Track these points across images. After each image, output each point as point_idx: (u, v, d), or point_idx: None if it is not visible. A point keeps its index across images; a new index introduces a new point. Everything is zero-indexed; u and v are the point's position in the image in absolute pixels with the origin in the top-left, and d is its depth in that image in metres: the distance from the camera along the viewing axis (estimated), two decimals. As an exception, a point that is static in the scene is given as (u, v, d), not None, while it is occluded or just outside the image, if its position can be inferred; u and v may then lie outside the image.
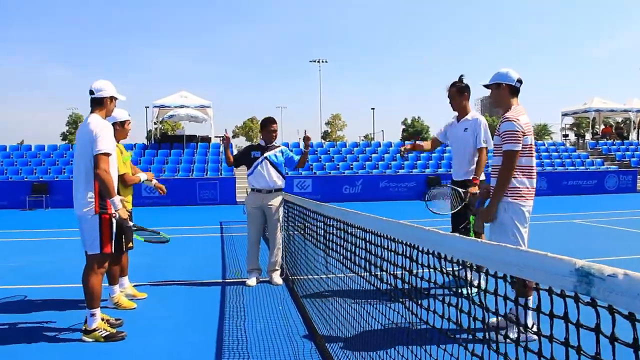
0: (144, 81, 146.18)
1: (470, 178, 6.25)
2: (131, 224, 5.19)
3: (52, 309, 5.81)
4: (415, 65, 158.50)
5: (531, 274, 1.58)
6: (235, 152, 27.98)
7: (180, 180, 22.26)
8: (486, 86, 4.88)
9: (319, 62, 63.40)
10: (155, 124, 30.24)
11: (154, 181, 6.76)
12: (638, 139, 34.82)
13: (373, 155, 26.73)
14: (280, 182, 7.14)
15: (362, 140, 51.73)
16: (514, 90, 4.75)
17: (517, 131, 4.51)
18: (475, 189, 6.12)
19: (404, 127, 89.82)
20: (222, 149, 7.51)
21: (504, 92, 4.73)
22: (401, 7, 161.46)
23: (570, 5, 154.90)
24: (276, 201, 7.08)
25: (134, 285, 6.46)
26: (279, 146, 7.32)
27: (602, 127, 35.34)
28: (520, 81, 4.74)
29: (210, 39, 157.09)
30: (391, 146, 28.32)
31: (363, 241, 3.50)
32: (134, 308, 5.83)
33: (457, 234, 2.19)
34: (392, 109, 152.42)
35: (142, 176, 6.40)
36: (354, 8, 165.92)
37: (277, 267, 7.05)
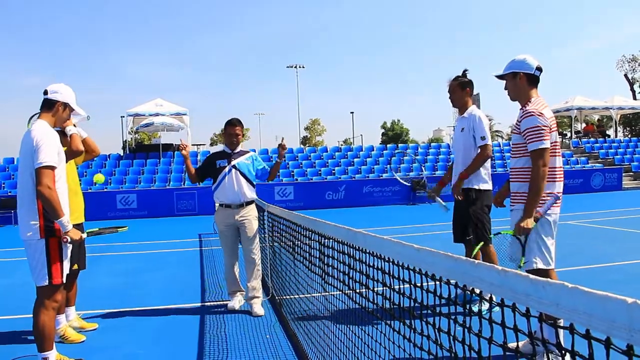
0: (119, 90, 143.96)
1: (471, 187, 5.62)
2: (84, 235, 4.39)
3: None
4: (393, 68, 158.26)
5: (566, 314, 1.24)
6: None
7: (157, 190, 21.42)
8: (500, 77, 4.24)
9: (296, 67, 62.60)
10: (130, 133, 29.37)
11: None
12: (617, 136, 34.79)
13: (355, 159, 26.10)
14: (251, 193, 6.23)
15: (342, 144, 51.07)
16: (533, 80, 4.11)
17: (542, 126, 3.87)
18: (457, 189, 5.68)
19: (383, 130, 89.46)
20: (186, 152, 6.19)
21: (521, 82, 4.09)
22: (378, 10, 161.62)
23: (549, 4, 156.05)
24: (250, 216, 6.17)
25: (86, 318, 5.68)
26: (247, 152, 6.37)
27: (584, 125, 35.18)
28: (539, 69, 4.10)
29: (185, 46, 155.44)
30: (373, 150, 27.72)
31: (373, 269, 2.81)
32: (83, 341, 5.08)
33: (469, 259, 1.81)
34: (371, 113, 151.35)
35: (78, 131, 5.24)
36: (330, 13, 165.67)
37: (257, 294, 6.06)
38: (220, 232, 6.17)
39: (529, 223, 3.90)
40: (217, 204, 6.27)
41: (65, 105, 4.21)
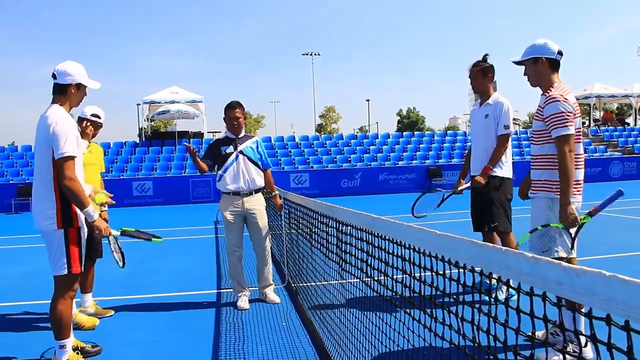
0: (136, 78, 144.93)
1: (495, 174, 5.51)
2: (115, 232, 4.34)
3: (13, 334, 5.06)
4: (409, 56, 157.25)
5: (602, 304, 1.17)
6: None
7: (173, 178, 21.49)
8: (518, 62, 4.12)
9: (311, 55, 62.45)
10: (146, 121, 29.44)
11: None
12: (636, 124, 34.23)
13: (371, 147, 25.96)
14: (260, 180, 5.91)
15: (358, 132, 50.85)
16: (554, 65, 3.99)
17: (567, 112, 3.77)
18: (481, 180, 5.44)
19: (399, 118, 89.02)
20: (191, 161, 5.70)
21: (543, 67, 3.98)
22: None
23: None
24: (260, 204, 5.91)
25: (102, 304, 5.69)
26: (252, 136, 6.05)
27: (603, 113, 34.68)
28: (560, 53, 3.99)
29: (201, 34, 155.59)
30: (389, 137, 27.57)
31: (393, 256, 2.74)
32: (94, 327, 5.07)
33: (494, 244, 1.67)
34: (387, 100, 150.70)
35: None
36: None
37: (271, 282, 5.97)
38: (227, 222, 5.82)
39: (572, 211, 3.80)
40: (223, 193, 5.91)
41: (78, 85, 4.04)
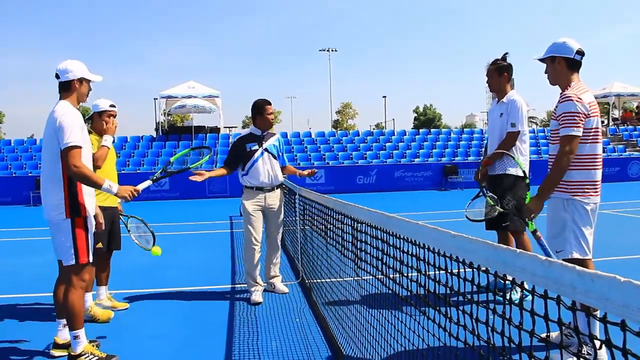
0: (153, 73, 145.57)
1: (510, 173, 5.48)
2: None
3: (30, 323, 5.12)
4: (426, 52, 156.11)
5: (617, 309, 1.16)
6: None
7: (189, 172, 21.53)
8: (541, 60, 4.09)
9: (328, 50, 62.32)
10: (163, 115, 29.58)
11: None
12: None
13: (387, 144, 25.90)
14: (281, 176, 6.13)
15: (374, 129, 50.70)
16: (574, 64, 3.95)
17: (578, 113, 3.74)
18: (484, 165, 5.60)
19: (415, 114, 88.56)
20: (203, 178, 5.72)
21: (560, 66, 3.95)
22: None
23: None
24: (279, 200, 6.11)
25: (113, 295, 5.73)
26: (274, 133, 6.24)
27: (622, 112, 34.25)
28: (580, 53, 3.94)
29: (219, 29, 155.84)
30: (405, 134, 27.48)
31: (407, 255, 2.74)
32: (109, 320, 5.11)
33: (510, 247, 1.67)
34: (404, 97, 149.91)
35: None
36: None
37: (278, 273, 6.16)
38: (249, 215, 5.90)
39: (540, 206, 3.97)
40: (245, 187, 6.05)
41: (81, 80, 4.15)
